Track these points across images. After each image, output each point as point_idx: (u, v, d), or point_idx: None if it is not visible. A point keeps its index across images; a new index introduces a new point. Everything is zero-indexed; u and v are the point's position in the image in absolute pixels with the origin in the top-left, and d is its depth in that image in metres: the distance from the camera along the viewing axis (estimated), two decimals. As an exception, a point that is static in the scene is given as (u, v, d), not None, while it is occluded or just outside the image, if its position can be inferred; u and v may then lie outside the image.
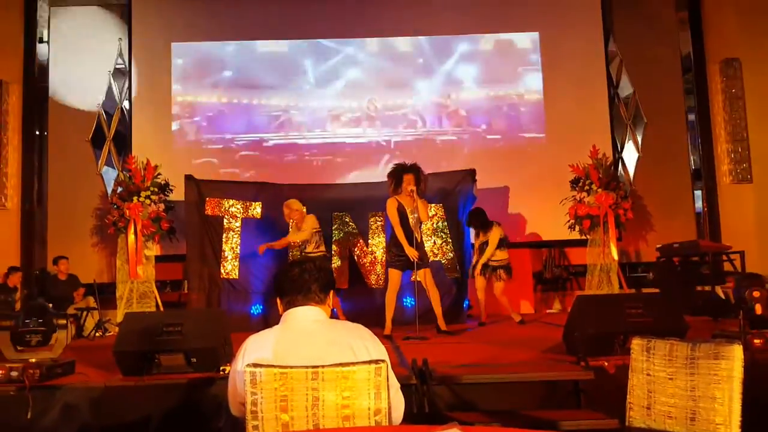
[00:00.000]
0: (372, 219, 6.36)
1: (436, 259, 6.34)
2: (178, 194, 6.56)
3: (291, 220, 5.78)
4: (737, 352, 1.74)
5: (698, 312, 5.50)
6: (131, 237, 6.26)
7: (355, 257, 6.36)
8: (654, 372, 1.86)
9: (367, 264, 6.34)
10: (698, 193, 7.96)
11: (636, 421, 1.88)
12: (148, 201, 6.36)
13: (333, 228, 6.35)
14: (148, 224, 6.33)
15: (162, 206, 6.48)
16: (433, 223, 6.37)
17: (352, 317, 5.02)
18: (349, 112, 7.96)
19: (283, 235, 5.84)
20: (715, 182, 7.84)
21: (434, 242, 6.40)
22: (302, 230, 5.61)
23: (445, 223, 6.44)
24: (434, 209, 6.32)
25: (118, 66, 7.76)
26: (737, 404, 1.73)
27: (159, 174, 6.48)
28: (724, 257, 6.64)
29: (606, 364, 3.18)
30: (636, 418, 1.88)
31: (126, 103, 7.80)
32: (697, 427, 1.77)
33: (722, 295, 5.94)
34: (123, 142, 7.65)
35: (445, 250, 6.41)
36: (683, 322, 3.63)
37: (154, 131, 7.71)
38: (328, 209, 6.17)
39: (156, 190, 6.40)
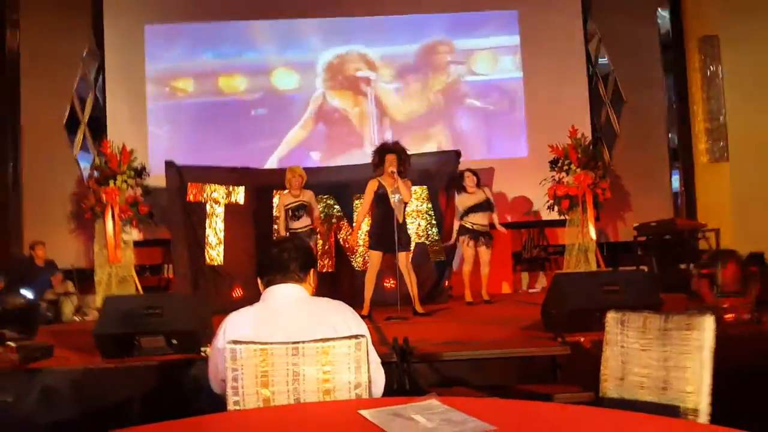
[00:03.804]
0: (357, 201, 6.35)
1: (421, 241, 6.38)
2: (157, 179, 6.47)
3: (288, 185, 5.66)
4: (708, 322, 1.78)
5: (676, 289, 5.62)
6: (109, 222, 6.20)
7: (340, 240, 6.36)
8: (628, 344, 1.90)
9: (353, 246, 6.35)
10: (676, 171, 8.09)
11: (610, 392, 1.92)
12: (124, 185, 6.29)
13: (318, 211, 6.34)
14: (125, 209, 6.27)
15: (139, 190, 6.41)
16: (417, 205, 6.39)
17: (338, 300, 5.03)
18: (332, 90, 7.85)
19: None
20: (692, 161, 7.96)
21: (419, 224, 6.42)
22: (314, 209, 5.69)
23: (430, 205, 6.46)
24: (419, 191, 6.33)
25: (90, 49, 7.57)
26: (708, 373, 1.77)
27: (135, 158, 6.40)
28: (700, 235, 6.78)
29: (582, 339, 3.25)
30: (610, 389, 1.93)
31: (100, 88, 7.64)
32: (668, 396, 1.81)
33: (698, 273, 6.06)
34: (98, 127, 7.51)
35: (429, 232, 6.44)
36: (658, 298, 3.72)
37: (130, 115, 7.58)
38: (313, 192, 6.16)
39: (132, 174, 6.32)
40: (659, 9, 8.14)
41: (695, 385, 1.77)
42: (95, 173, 6.45)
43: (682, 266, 6.21)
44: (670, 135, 8.10)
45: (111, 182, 6.24)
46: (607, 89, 7.76)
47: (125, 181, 6.31)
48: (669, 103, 8.11)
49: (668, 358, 1.82)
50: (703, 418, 1.74)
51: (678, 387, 1.79)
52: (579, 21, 7.89)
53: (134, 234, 6.63)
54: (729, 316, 3.57)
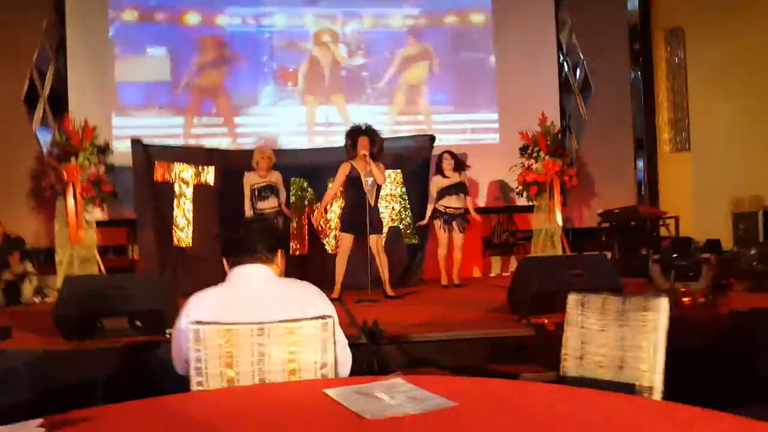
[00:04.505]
0: (331, 184, 6.32)
1: (395, 224, 6.40)
2: (121, 158, 6.31)
3: (255, 166, 5.61)
4: (664, 304, 1.85)
5: (636, 274, 5.80)
6: (70, 200, 6.03)
7: (314, 222, 6.33)
8: (587, 325, 1.96)
9: (325, 229, 6.33)
10: (640, 160, 8.30)
11: (570, 371, 1.99)
12: (86, 163, 6.11)
13: (290, 194, 6.29)
14: (87, 187, 6.10)
15: (102, 169, 6.24)
16: (391, 189, 6.39)
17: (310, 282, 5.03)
18: (291, 58, 7.74)
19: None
20: (656, 150, 8.17)
21: (392, 208, 6.44)
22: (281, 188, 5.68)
23: (404, 189, 6.47)
24: (393, 174, 6.33)
25: (51, 20, 7.27)
26: (661, 353, 1.84)
27: (97, 135, 6.21)
28: (661, 223, 7.00)
29: (546, 321, 3.33)
30: (569, 368, 1.99)
31: (62, 61, 7.34)
32: (624, 374, 1.88)
33: (658, 258, 6.26)
34: (60, 102, 7.24)
35: (403, 216, 6.46)
36: (619, 282, 3.84)
37: (93, 90, 7.30)
38: (286, 174, 6.09)
39: (95, 151, 6.14)
40: (629, 0, 8.27)
41: (650, 363, 1.84)
42: (55, 150, 6.24)
43: (643, 252, 6.40)
44: (635, 124, 8.29)
45: (72, 159, 6.05)
46: (577, 78, 7.87)
47: (87, 159, 6.12)
48: (635, 93, 8.29)
49: (625, 338, 1.89)
50: (657, 395, 1.81)
51: (634, 366, 1.86)
52: (551, 9, 7.95)
53: (97, 213, 6.46)
54: (686, 299, 3.71)
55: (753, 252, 5.43)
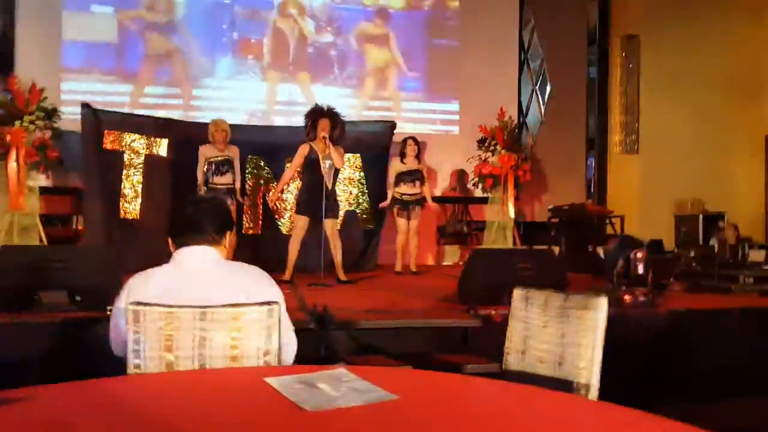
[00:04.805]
0: (288, 164, 6.21)
1: (351, 209, 6.38)
2: (69, 124, 6.00)
3: (211, 139, 5.46)
4: (603, 304, 1.91)
5: (583, 269, 6.00)
6: (12, 165, 5.71)
7: (269, 202, 6.23)
8: (530, 320, 2.01)
9: (281, 210, 6.24)
10: (591, 159, 8.56)
11: (512, 365, 2.03)
12: (32, 127, 5.79)
13: (246, 172, 6.15)
14: (31, 152, 5.78)
15: (48, 134, 5.93)
16: (350, 173, 6.35)
17: (263, 264, 4.95)
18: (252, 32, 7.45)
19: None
20: (606, 151, 8.44)
21: (350, 192, 6.40)
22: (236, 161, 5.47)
23: (362, 174, 6.44)
24: (352, 159, 6.28)
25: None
26: (599, 350, 1.90)
27: (45, 98, 5.89)
28: (607, 220, 7.25)
29: (493, 313, 3.40)
30: (512, 361, 2.04)
31: (9, 19, 6.89)
32: (563, 371, 1.94)
33: (602, 256, 6.50)
34: (5, 61, 6.80)
35: (360, 200, 6.44)
36: (564, 277, 3.96)
37: (42, 51, 6.89)
38: (242, 151, 5.95)
39: (41, 115, 5.83)
40: (589, 4, 8.47)
41: (587, 360, 1.90)
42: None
43: (590, 248, 6.62)
44: (588, 125, 8.53)
45: (17, 123, 5.73)
46: (536, 76, 8.01)
47: (33, 122, 5.79)
48: (590, 95, 8.52)
49: (565, 334, 1.94)
50: (594, 391, 1.88)
51: (572, 362, 1.92)
52: (516, 8, 8.04)
53: (41, 180, 6.15)
54: (627, 297, 3.86)
55: (692, 254, 5.71)
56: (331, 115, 5.07)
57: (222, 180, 5.43)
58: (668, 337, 3.64)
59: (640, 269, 4.07)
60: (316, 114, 5.07)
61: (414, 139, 5.93)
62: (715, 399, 3.19)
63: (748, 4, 7.98)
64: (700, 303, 4.12)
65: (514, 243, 6.72)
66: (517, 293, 2.06)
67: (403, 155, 5.86)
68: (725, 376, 3.35)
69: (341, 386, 1.26)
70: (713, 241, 6.05)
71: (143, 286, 1.63)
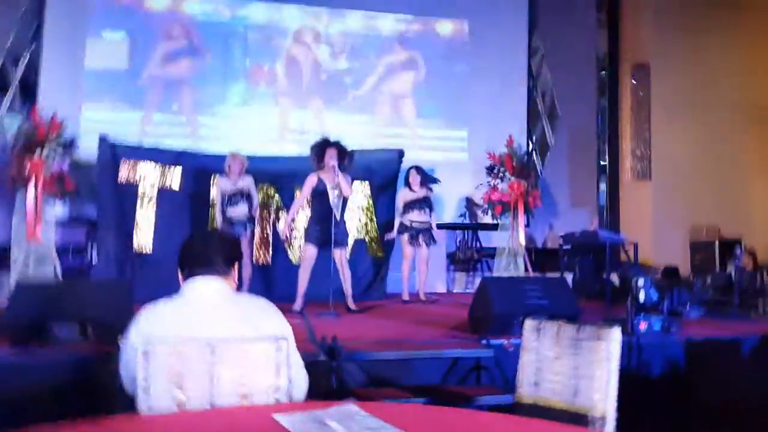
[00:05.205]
0: (298, 193, 6.25)
1: (360, 237, 6.38)
2: (85, 152, 6.11)
3: (227, 170, 5.50)
4: (616, 334, 1.89)
5: (596, 296, 5.93)
6: (30, 195, 5.79)
7: (279, 232, 6.26)
8: (543, 351, 1.99)
9: (290, 240, 6.26)
10: (603, 186, 8.53)
11: (525, 397, 2.01)
12: (52, 156, 5.89)
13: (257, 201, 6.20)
14: (49, 183, 5.87)
15: (66, 164, 6.02)
16: (358, 201, 6.38)
17: (272, 294, 4.96)
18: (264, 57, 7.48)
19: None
20: (618, 177, 8.42)
21: (359, 220, 6.42)
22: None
23: (371, 201, 6.46)
24: (360, 186, 6.31)
25: (30, 6, 7.00)
26: (614, 381, 1.88)
27: (66, 127, 6.01)
28: (621, 247, 7.17)
29: (505, 342, 3.36)
30: (525, 393, 2.01)
31: (36, 49, 7.03)
32: (578, 403, 1.91)
33: (616, 283, 6.42)
34: (31, 91, 6.96)
35: (369, 228, 6.45)
36: (576, 306, 3.91)
37: (67, 82, 7.00)
38: (253, 179, 6.00)
39: (60, 146, 5.93)
40: (599, 32, 8.56)
41: (602, 393, 1.87)
42: (21, 141, 5.99)
43: (603, 275, 6.54)
44: (599, 151, 8.53)
45: (37, 152, 5.83)
46: (545, 103, 8.07)
47: (53, 151, 5.90)
48: (600, 122, 8.55)
49: (579, 366, 1.92)
50: (610, 423, 1.85)
51: (587, 394, 1.89)
52: (525, 37, 8.13)
53: (58, 210, 6.23)
54: (642, 325, 3.80)
55: (709, 281, 5.63)
56: (338, 144, 5.13)
57: (237, 211, 5.47)
58: (687, 365, 3.56)
59: (655, 296, 4.01)
60: (323, 145, 5.13)
61: (417, 167, 5.99)
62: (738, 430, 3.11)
63: (759, 29, 8.03)
64: (718, 330, 4.04)
65: (526, 270, 6.67)
66: (529, 324, 2.04)
67: (408, 185, 5.92)
68: (747, 406, 3.27)
69: (352, 424, 1.25)
70: (730, 268, 5.95)
71: (153, 320, 1.63)
